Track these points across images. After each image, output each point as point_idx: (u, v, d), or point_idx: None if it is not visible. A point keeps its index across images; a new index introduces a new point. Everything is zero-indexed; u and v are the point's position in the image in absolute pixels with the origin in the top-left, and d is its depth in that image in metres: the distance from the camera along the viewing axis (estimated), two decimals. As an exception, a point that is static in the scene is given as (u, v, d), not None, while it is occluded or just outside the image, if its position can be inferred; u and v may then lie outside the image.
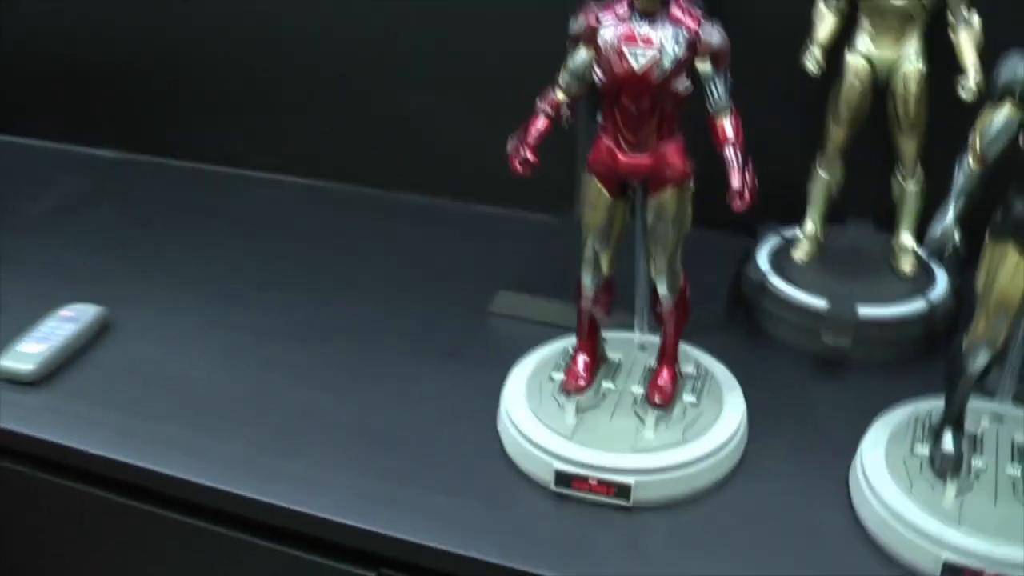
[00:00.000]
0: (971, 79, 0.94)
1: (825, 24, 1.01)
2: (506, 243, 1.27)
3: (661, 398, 0.90)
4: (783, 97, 1.08)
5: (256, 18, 1.38)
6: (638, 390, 0.92)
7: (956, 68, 0.96)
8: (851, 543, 0.81)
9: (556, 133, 0.85)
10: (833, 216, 1.11)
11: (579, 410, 0.89)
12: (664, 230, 0.84)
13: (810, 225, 1.10)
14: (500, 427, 0.93)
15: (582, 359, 0.93)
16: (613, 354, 0.97)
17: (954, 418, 0.82)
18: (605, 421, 0.89)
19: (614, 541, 0.82)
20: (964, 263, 0.90)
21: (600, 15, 0.80)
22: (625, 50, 0.78)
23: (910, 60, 0.99)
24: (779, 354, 1.04)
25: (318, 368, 1.04)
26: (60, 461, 0.95)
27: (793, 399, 0.98)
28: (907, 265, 1.06)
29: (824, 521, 0.83)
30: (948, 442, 0.82)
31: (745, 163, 0.79)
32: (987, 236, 0.77)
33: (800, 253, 1.09)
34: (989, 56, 0.86)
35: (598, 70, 0.80)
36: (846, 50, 1.01)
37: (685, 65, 0.79)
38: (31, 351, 1.02)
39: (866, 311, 1.00)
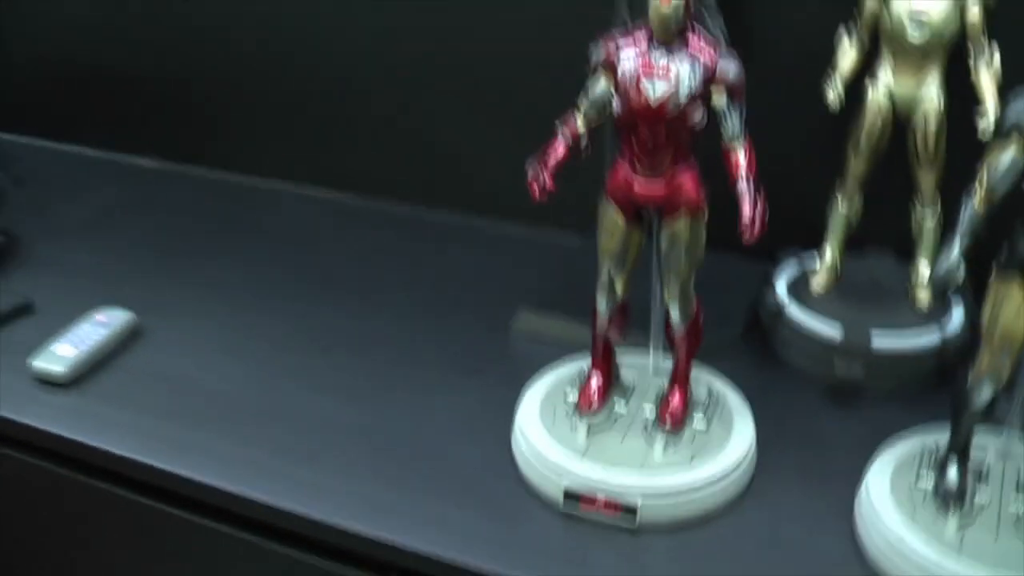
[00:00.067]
0: (990, 115, 0.95)
1: (847, 58, 1.03)
2: (531, 262, 1.29)
3: (672, 421, 0.91)
4: (808, 124, 1.09)
5: (296, 35, 1.41)
6: (650, 413, 0.94)
7: (976, 103, 0.97)
8: (853, 571, 0.82)
9: (583, 157, 0.87)
10: (854, 245, 1.12)
11: (591, 430, 0.91)
12: (677, 257, 0.86)
13: (828, 254, 1.11)
14: (513, 444, 0.94)
15: (596, 380, 0.95)
16: (627, 376, 0.98)
17: (959, 450, 0.83)
18: (616, 442, 0.91)
19: (619, 561, 0.84)
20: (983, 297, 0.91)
21: (620, 45, 0.82)
22: (642, 81, 0.80)
23: (930, 95, 1.00)
24: (792, 381, 1.05)
25: (339, 379, 1.07)
26: (85, 460, 0.98)
27: (804, 426, 0.99)
28: (924, 297, 1.07)
29: (827, 548, 0.84)
30: (952, 474, 0.83)
31: (757, 194, 0.80)
32: (992, 273, 0.78)
33: (818, 282, 1.10)
34: (1008, 92, 0.87)
35: (616, 100, 0.82)
36: (867, 84, 1.02)
37: (701, 97, 0.80)
38: (64, 353, 1.06)
39: (880, 341, 1.01)
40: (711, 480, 0.87)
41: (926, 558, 0.77)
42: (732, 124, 0.81)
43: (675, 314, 0.89)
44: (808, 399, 1.02)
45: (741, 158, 0.81)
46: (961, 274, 0.76)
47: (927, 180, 1.03)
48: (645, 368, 0.99)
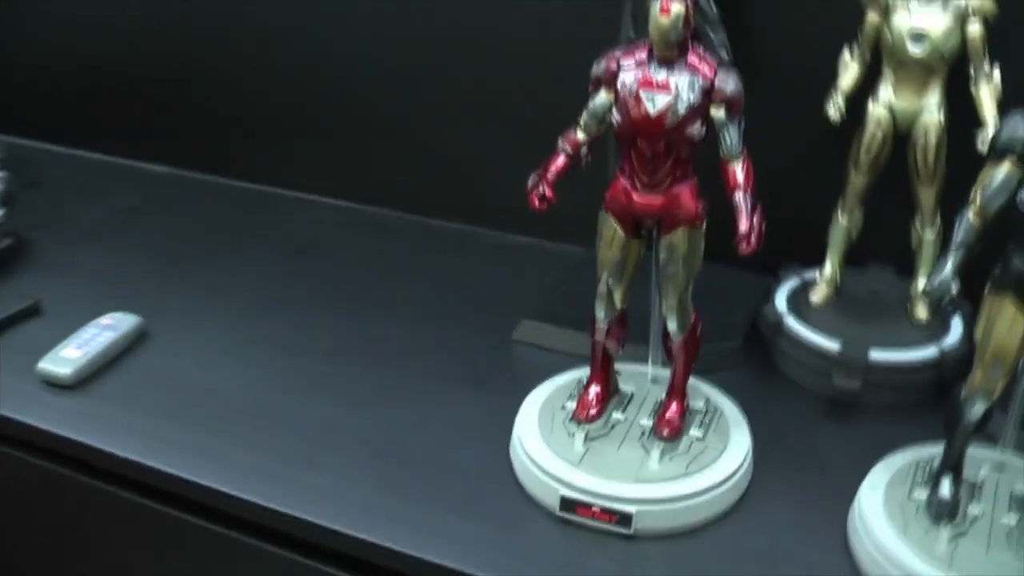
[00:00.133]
0: (990, 132, 0.95)
1: (849, 73, 1.03)
2: (533, 272, 1.30)
3: (668, 431, 0.92)
4: (809, 138, 1.10)
5: (312, 45, 1.42)
6: (647, 422, 0.94)
7: (976, 120, 0.97)
8: (844, 583, 0.83)
9: (586, 168, 0.88)
10: (855, 259, 1.13)
11: (588, 439, 0.92)
12: (675, 269, 0.87)
13: (828, 268, 1.12)
14: (511, 452, 0.95)
15: (594, 390, 0.96)
16: (625, 386, 0.99)
17: (952, 464, 0.84)
18: (612, 451, 0.91)
19: (613, 568, 0.84)
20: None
21: (621, 60, 0.83)
22: (642, 95, 0.81)
23: (930, 111, 1.00)
24: (790, 393, 1.05)
25: (341, 385, 1.08)
26: (89, 461, 1.00)
27: (800, 439, 0.99)
28: (923, 312, 1.08)
29: (819, 560, 0.85)
30: (945, 488, 0.83)
31: (754, 209, 0.81)
32: (986, 289, 0.78)
33: (817, 295, 1.11)
34: (1008, 108, 0.88)
35: (616, 113, 0.83)
36: (869, 99, 1.03)
37: (700, 111, 0.81)
38: (70, 356, 1.07)
39: (877, 355, 1.02)
40: (707, 490, 0.87)
41: (917, 571, 0.78)
42: (730, 138, 0.82)
43: (672, 325, 0.90)
44: (805, 411, 1.03)
45: (739, 172, 0.82)
46: (955, 288, 0.76)
47: (927, 195, 1.04)
48: (643, 378, 1.00)
